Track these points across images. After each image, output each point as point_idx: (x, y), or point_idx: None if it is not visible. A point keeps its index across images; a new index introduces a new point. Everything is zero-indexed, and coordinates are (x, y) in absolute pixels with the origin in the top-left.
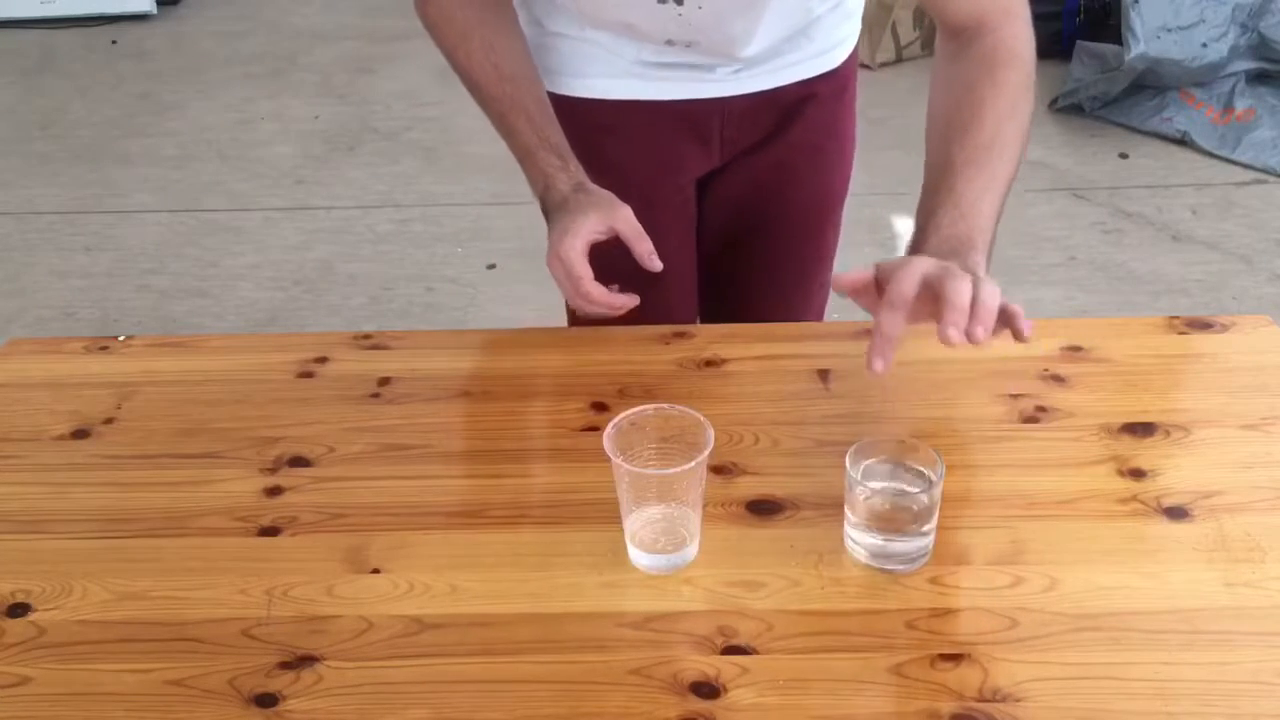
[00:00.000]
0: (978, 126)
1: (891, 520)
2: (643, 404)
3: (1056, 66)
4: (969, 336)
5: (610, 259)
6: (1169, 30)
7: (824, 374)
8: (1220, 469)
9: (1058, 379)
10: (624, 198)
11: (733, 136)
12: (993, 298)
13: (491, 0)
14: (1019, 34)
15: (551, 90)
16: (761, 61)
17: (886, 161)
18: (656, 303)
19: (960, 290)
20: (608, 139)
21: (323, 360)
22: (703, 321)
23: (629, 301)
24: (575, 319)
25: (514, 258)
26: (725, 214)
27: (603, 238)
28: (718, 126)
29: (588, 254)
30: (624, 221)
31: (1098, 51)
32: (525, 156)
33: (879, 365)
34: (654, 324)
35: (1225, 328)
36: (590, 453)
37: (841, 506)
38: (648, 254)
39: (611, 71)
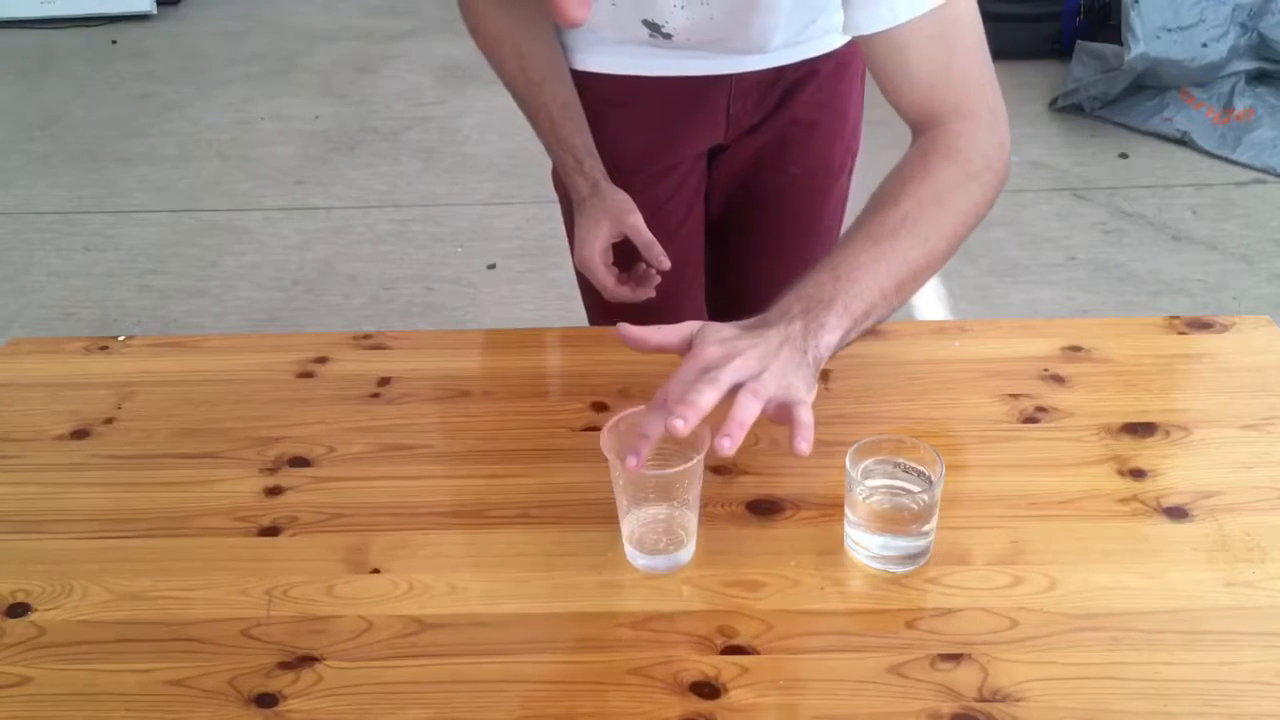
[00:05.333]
0: (891, 206)
1: (891, 520)
2: (642, 404)
3: (1056, 66)
4: (716, 447)
5: (626, 247)
6: (1169, 30)
7: (824, 374)
8: (1220, 469)
9: (1058, 379)
10: (634, 172)
11: (739, 112)
12: (745, 410)
13: (524, 4)
14: (967, 132)
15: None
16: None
17: (886, 162)
18: (667, 276)
19: (702, 394)
20: (619, 113)
21: (323, 360)
22: (707, 294)
23: (649, 293)
24: (595, 311)
25: (514, 258)
26: (727, 187)
27: (617, 240)
28: (725, 102)
29: (609, 253)
30: (633, 229)
31: (1098, 51)
32: (550, 155)
33: (631, 461)
34: (664, 298)
35: (1225, 328)
36: (590, 453)
37: (841, 506)
38: (657, 257)
39: (622, 49)
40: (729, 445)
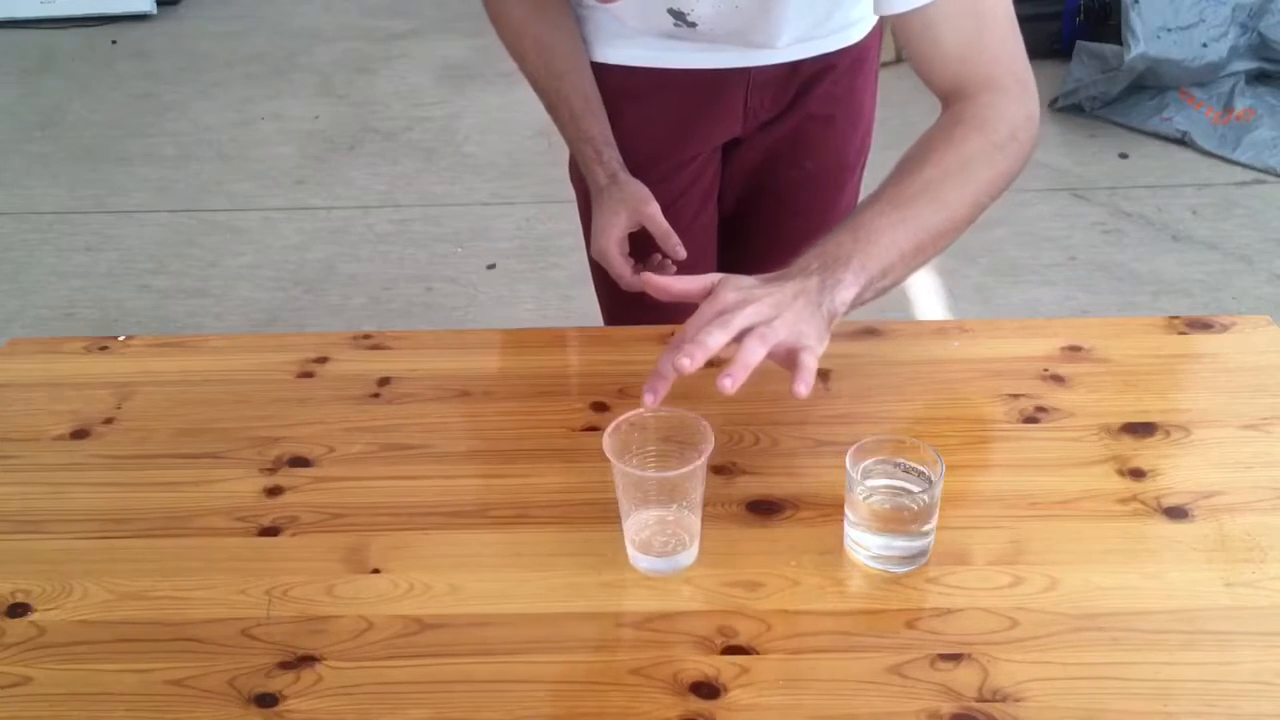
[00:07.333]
0: (915, 172)
1: (891, 520)
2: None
3: (1056, 66)
4: (717, 385)
5: (641, 239)
6: (1169, 30)
7: (824, 374)
8: (1220, 469)
9: (1058, 379)
10: (651, 164)
11: (757, 106)
12: (750, 352)
13: None
14: (995, 104)
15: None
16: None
17: (886, 161)
18: (681, 268)
19: (711, 335)
20: (637, 105)
21: (323, 360)
22: None
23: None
24: (609, 304)
25: (514, 258)
26: (741, 181)
27: (634, 229)
28: (743, 96)
29: (626, 243)
30: (650, 219)
31: (1098, 51)
32: (571, 146)
33: (649, 399)
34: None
35: (1225, 328)
36: (590, 453)
37: (841, 506)
38: (673, 247)
39: (642, 41)
40: (730, 385)
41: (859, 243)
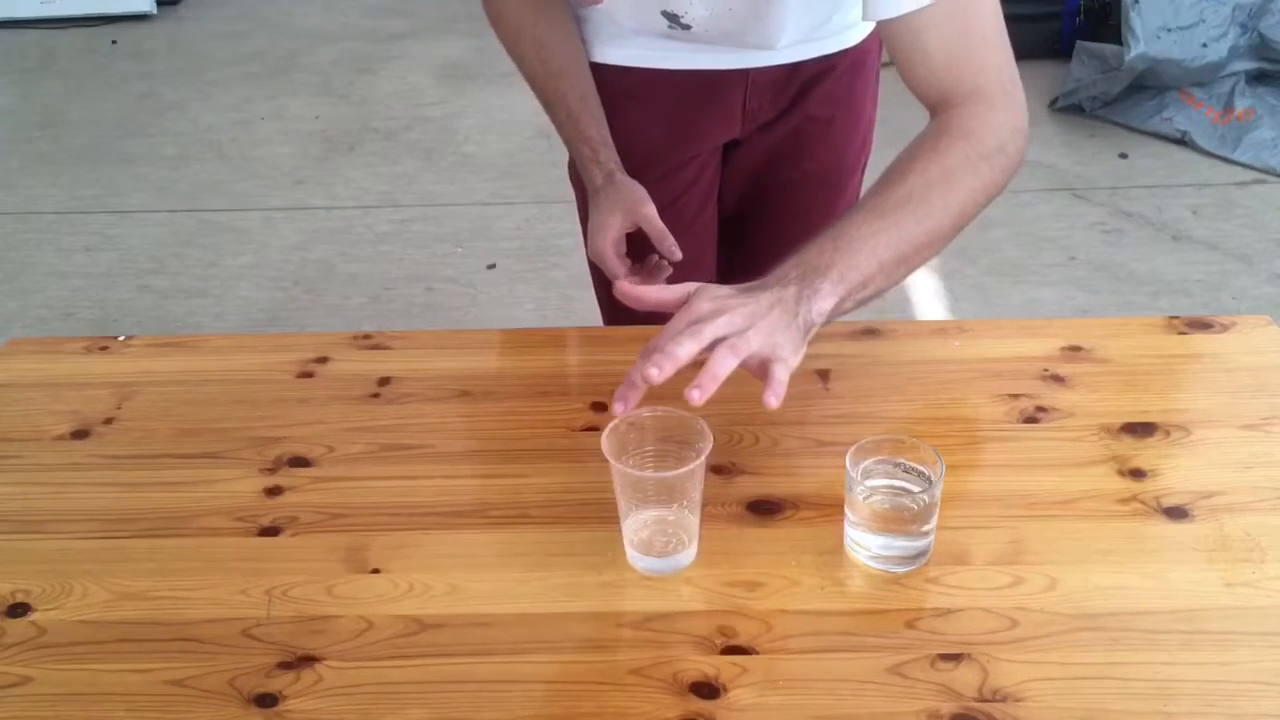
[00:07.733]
0: (899, 182)
1: (891, 520)
2: (643, 406)
3: (1056, 66)
4: (685, 396)
5: (639, 239)
6: (1169, 30)
7: (824, 374)
8: (1220, 469)
9: (1058, 379)
10: (649, 165)
11: (755, 107)
12: (720, 363)
13: None
14: (981, 114)
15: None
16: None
17: (884, 161)
18: (681, 270)
19: (681, 345)
20: (635, 106)
21: (323, 360)
22: None
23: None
24: (608, 305)
25: (514, 258)
26: (741, 182)
27: (630, 230)
28: (742, 97)
29: (622, 243)
30: (646, 219)
31: (1098, 51)
32: (568, 146)
33: (619, 408)
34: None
35: (1225, 328)
36: (590, 453)
37: (841, 506)
38: (669, 248)
39: (640, 42)
40: (698, 396)
41: (839, 252)
